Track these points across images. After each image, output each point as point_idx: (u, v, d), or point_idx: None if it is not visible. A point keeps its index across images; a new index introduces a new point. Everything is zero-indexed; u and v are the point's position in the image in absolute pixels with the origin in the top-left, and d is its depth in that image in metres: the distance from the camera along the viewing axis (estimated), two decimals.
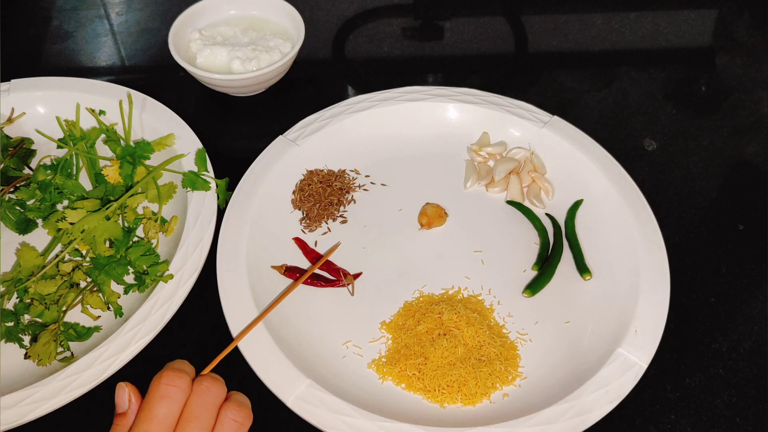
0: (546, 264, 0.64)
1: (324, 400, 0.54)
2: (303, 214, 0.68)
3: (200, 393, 0.45)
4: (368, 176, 0.72)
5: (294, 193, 0.70)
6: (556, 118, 0.72)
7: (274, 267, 0.64)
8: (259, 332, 0.57)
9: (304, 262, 0.65)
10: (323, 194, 0.69)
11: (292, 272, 0.63)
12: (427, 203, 0.69)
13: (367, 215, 0.69)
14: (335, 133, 0.72)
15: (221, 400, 0.46)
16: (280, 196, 0.69)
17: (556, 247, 0.65)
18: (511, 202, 0.69)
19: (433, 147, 0.74)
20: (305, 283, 0.63)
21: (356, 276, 0.64)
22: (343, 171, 0.71)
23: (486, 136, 0.73)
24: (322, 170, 0.71)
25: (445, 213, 0.68)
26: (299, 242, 0.66)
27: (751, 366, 0.59)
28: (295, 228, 0.68)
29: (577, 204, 0.68)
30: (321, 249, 0.66)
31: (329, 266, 0.64)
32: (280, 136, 0.71)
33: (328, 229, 0.68)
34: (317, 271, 0.64)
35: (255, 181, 0.68)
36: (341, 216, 0.69)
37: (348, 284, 0.63)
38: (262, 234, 0.65)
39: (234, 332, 0.57)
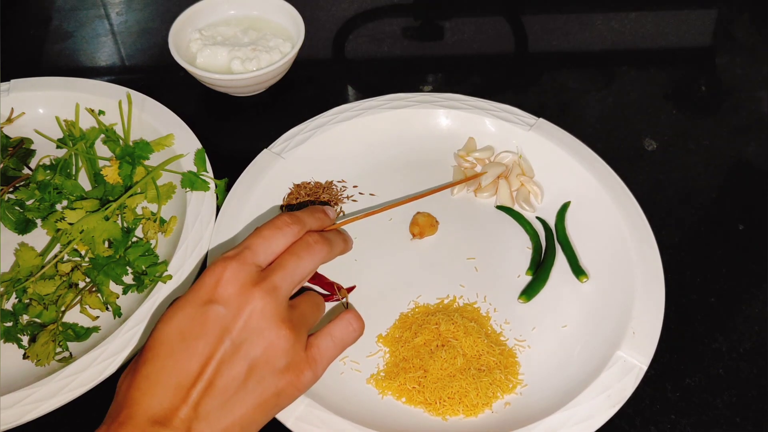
0: (540, 268, 0.64)
1: (324, 420, 0.53)
2: None
3: (307, 242, 0.48)
4: (356, 186, 0.71)
5: (281, 208, 0.68)
6: (542, 120, 0.72)
7: None
8: None
9: None
10: None
11: None
12: (418, 212, 0.68)
13: (358, 227, 0.67)
14: (320, 144, 0.71)
15: (324, 256, 0.49)
16: (267, 212, 0.68)
17: (549, 250, 0.65)
18: (501, 207, 0.69)
19: (420, 154, 0.73)
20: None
21: (350, 290, 0.63)
22: (331, 182, 0.70)
23: (472, 141, 0.73)
24: (309, 183, 0.70)
25: (436, 221, 0.67)
26: None
27: (751, 366, 0.59)
28: None
29: (564, 206, 0.68)
30: None
31: (321, 280, 0.63)
32: (265, 149, 0.70)
33: None
34: (310, 285, 0.63)
35: (241, 198, 0.66)
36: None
37: (342, 298, 0.62)
38: None
39: None
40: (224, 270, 0.44)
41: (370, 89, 0.82)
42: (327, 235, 0.50)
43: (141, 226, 0.66)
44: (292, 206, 0.67)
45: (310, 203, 0.67)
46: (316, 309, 0.49)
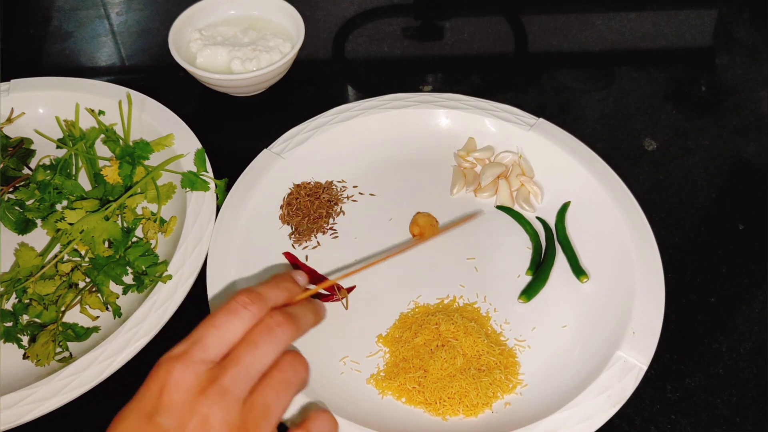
0: (540, 268, 0.63)
1: None
2: (292, 228, 0.67)
3: (268, 326, 0.42)
4: (356, 186, 0.71)
5: (281, 207, 0.68)
6: (542, 120, 0.72)
7: None
8: None
9: None
10: (311, 207, 0.67)
11: None
12: (419, 213, 0.68)
13: (358, 227, 0.68)
14: (320, 144, 0.71)
15: (289, 339, 0.42)
16: (267, 212, 0.68)
17: (549, 250, 0.65)
18: (501, 207, 0.69)
19: (420, 154, 0.73)
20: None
21: (350, 289, 0.63)
22: (330, 182, 0.70)
23: (472, 141, 0.73)
24: (309, 183, 0.70)
25: (436, 221, 0.67)
26: (290, 257, 0.65)
27: (751, 366, 0.59)
28: (285, 243, 0.66)
29: (564, 206, 0.68)
30: (312, 263, 0.65)
31: (322, 281, 0.63)
32: (265, 149, 0.70)
33: (317, 243, 0.66)
34: (310, 286, 0.63)
35: (241, 198, 0.66)
36: (331, 229, 0.67)
37: (342, 298, 0.62)
38: (251, 251, 0.64)
39: None
40: (168, 374, 0.39)
41: (370, 89, 0.82)
42: (293, 310, 0.44)
43: (141, 226, 0.66)
44: (292, 206, 0.67)
45: (310, 203, 0.67)
46: (285, 388, 0.41)
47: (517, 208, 0.69)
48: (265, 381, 0.41)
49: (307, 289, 0.48)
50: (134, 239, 0.65)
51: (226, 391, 0.39)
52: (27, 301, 0.61)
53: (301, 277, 0.48)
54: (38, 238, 0.67)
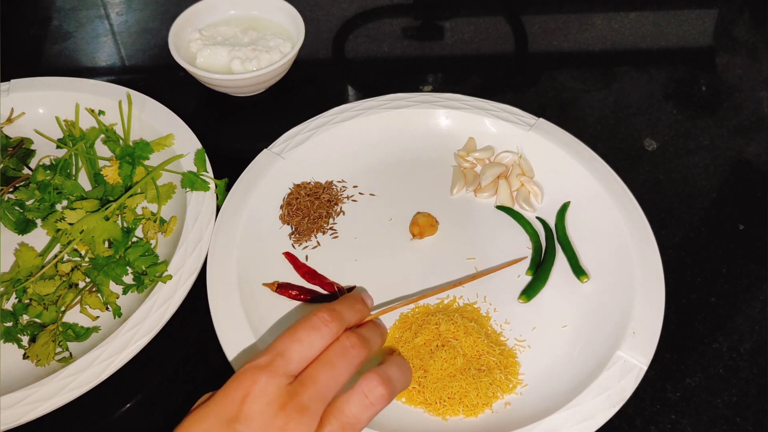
0: (540, 268, 0.63)
1: None
2: (292, 228, 0.67)
3: (344, 347, 0.44)
4: (356, 186, 0.71)
5: (281, 207, 0.68)
6: (542, 120, 0.72)
7: (265, 284, 0.63)
8: (252, 351, 0.56)
9: (295, 278, 0.64)
10: (311, 207, 0.67)
11: (284, 289, 0.62)
12: (418, 212, 0.68)
13: (358, 227, 0.68)
14: (320, 144, 0.71)
15: (362, 360, 0.44)
16: (267, 212, 0.68)
17: (549, 250, 0.65)
18: (501, 207, 0.69)
19: (420, 154, 0.73)
20: (296, 298, 0.62)
21: (350, 290, 0.63)
22: (331, 182, 0.70)
23: (472, 141, 0.73)
24: (309, 183, 0.70)
25: (436, 221, 0.67)
26: (290, 257, 0.65)
27: (751, 366, 0.59)
28: (285, 242, 0.67)
29: (564, 206, 0.68)
30: (311, 263, 0.65)
31: (322, 281, 0.63)
32: (265, 149, 0.70)
33: (317, 243, 0.67)
34: (310, 286, 0.63)
35: (241, 198, 0.66)
36: (331, 228, 0.67)
37: None
38: (251, 251, 0.64)
39: (228, 353, 0.57)
40: (253, 384, 0.41)
41: (370, 89, 0.82)
42: (365, 333, 0.46)
43: (141, 226, 0.66)
44: (292, 206, 0.67)
45: (310, 203, 0.67)
46: (352, 425, 0.42)
47: (517, 208, 0.69)
48: (335, 412, 0.42)
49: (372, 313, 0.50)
50: (134, 239, 0.65)
51: (305, 408, 0.40)
52: (27, 301, 0.61)
53: (369, 299, 0.50)
54: (38, 238, 0.67)
